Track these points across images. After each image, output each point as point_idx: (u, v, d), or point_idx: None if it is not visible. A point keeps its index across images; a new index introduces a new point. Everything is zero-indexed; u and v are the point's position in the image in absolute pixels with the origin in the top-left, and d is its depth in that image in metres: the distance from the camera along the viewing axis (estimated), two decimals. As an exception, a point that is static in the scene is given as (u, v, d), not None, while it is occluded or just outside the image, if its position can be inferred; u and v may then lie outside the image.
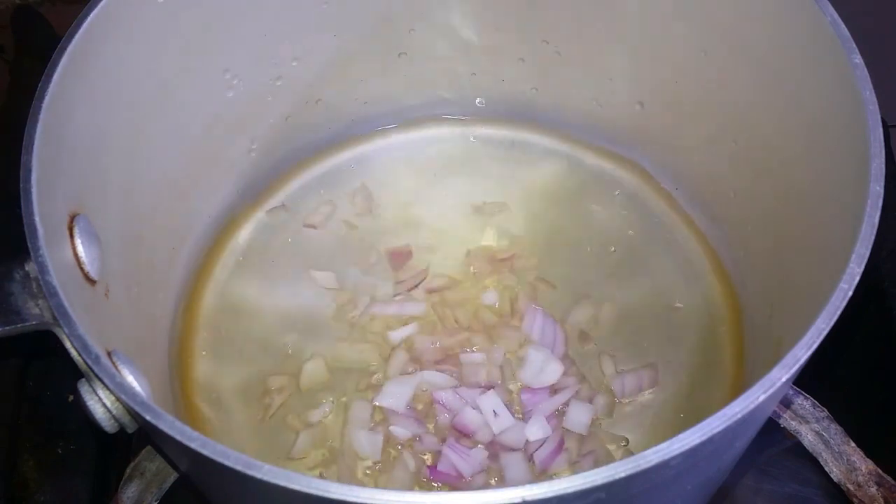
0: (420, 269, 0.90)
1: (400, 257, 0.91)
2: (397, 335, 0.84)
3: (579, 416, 0.78)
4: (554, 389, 0.81)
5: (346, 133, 1.00)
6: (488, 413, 0.77)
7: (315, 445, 0.79)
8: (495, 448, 0.77)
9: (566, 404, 0.80)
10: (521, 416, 0.79)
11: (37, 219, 0.56)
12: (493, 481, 0.76)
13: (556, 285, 0.88)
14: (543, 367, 0.81)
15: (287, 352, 0.85)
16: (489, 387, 0.80)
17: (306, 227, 0.94)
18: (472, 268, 0.90)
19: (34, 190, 0.57)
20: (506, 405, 0.78)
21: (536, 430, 0.77)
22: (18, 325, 0.58)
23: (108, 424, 0.56)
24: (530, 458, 0.76)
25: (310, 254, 0.92)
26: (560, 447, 0.77)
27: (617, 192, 0.96)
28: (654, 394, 0.81)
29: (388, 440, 0.78)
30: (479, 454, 0.76)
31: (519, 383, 0.82)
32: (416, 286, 0.88)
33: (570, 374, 0.82)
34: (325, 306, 0.88)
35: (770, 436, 0.77)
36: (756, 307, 0.82)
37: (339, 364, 0.84)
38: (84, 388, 0.55)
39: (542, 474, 0.76)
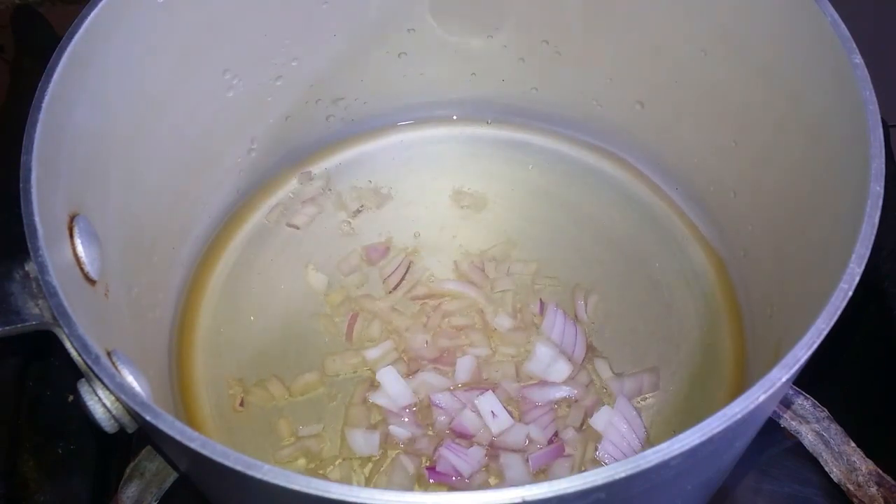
0: (400, 260, 0.90)
1: (376, 253, 0.91)
2: (372, 353, 0.84)
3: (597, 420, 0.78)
4: (555, 392, 0.81)
5: (346, 133, 1.01)
6: (486, 414, 0.77)
7: (305, 453, 0.79)
8: (495, 449, 0.77)
9: (579, 408, 0.80)
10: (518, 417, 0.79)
11: (37, 219, 0.56)
12: (492, 481, 0.76)
13: (556, 285, 0.89)
14: (551, 364, 0.81)
15: (286, 353, 0.85)
16: (487, 388, 0.80)
17: (289, 226, 0.94)
18: (470, 268, 0.90)
19: (34, 190, 0.57)
20: (504, 406, 0.78)
21: (534, 431, 0.77)
22: (18, 325, 0.57)
23: (108, 424, 0.56)
24: (527, 460, 0.76)
25: (309, 254, 0.92)
26: (559, 449, 0.77)
27: (617, 193, 0.96)
28: (654, 395, 0.81)
29: (387, 441, 0.78)
30: (478, 453, 0.76)
31: (519, 384, 0.81)
32: (403, 279, 0.88)
33: (577, 376, 0.82)
34: (323, 307, 0.88)
35: (770, 436, 0.77)
36: (756, 307, 0.82)
37: (335, 368, 0.83)
38: (84, 388, 0.55)
39: (537, 475, 0.76)
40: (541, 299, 0.87)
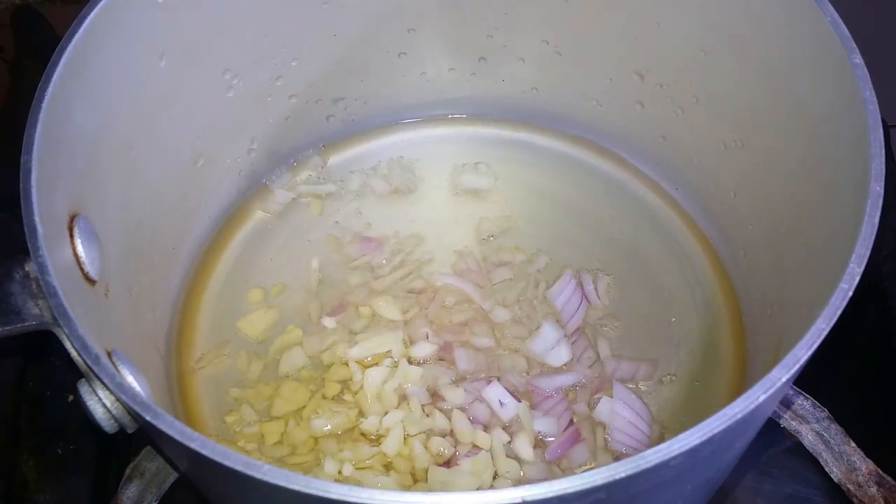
0: (401, 257, 0.90)
1: (376, 250, 0.91)
2: (375, 347, 0.83)
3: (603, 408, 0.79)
4: (563, 379, 0.81)
5: (346, 133, 1.01)
6: (494, 403, 0.78)
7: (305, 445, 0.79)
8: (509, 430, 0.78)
9: (585, 389, 0.81)
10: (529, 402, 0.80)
11: (37, 219, 0.56)
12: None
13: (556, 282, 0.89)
14: (554, 346, 0.82)
15: (287, 353, 0.85)
16: (492, 378, 0.80)
17: (288, 226, 0.94)
18: (468, 265, 0.90)
19: (34, 190, 0.57)
20: (511, 392, 0.79)
21: (550, 424, 0.78)
22: (18, 325, 0.58)
23: (108, 424, 0.56)
24: (544, 456, 0.77)
25: (309, 253, 0.92)
26: (575, 436, 0.77)
27: (617, 192, 0.96)
28: (654, 394, 0.81)
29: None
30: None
31: (527, 374, 0.82)
32: (402, 275, 0.89)
33: (581, 357, 0.83)
34: (322, 307, 0.88)
35: (770, 436, 0.77)
36: (756, 307, 0.82)
37: (328, 358, 0.84)
38: (84, 388, 0.55)
39: (558, 462, 0.77)
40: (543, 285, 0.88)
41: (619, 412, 0.78)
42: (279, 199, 0.96)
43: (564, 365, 0.82)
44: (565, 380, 0.81)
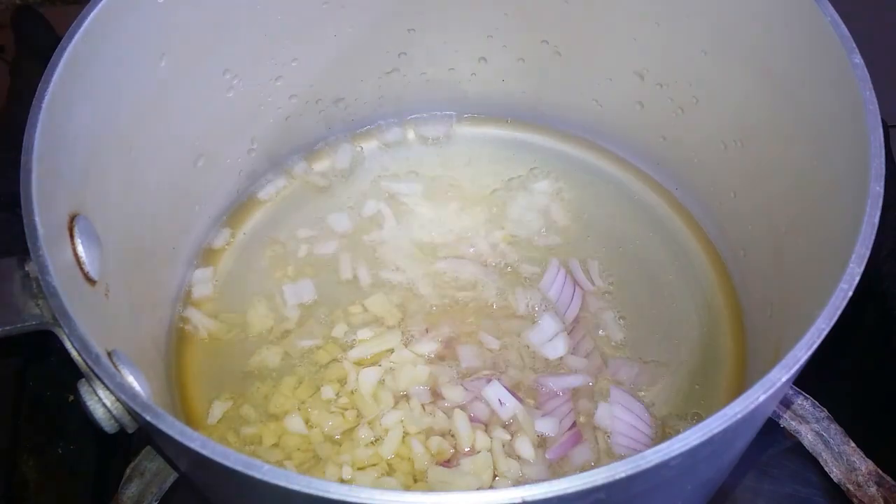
0: (402, 258, 0.91)
1: (375, 250, 0.92)
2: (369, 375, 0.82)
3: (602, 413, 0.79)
4: (571, 380, 0.81)
5: (346, 133, 1.01)
6: (494, 402, 0.78)
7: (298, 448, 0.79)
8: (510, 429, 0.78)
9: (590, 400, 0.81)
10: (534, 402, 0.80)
11: (37, 219, 0.56)
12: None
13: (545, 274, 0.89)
14: (552, 338, 0.82)
15: (286, 353, 0.85)
16: (492, 376, 0.80)
17: (288, 226, 0.94)
18: (470, 263, 0.90)
19: (34, 190, 0.57)
20: (511, 391, 0.79)
21: (552, 424, 0.78)
22: (18, 325, 0.58)
23: (108, 424, 0.56)
24: (545, 455, 0.77)
25: (308, 253, 0.92)
26: (576, 437, 0.77)
27: (617, 192, 0.96)
28: (654, 395, 0.81)
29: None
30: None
31: (535, 374, 0.82)
32: (403, 274, 0.89)
33: (577, 347, 0.83)
34: (322, 305, 0.88)
35: (770, 436, 0.77)
36: (756, 307, 0.82)
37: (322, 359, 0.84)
38: (84, 388, 0.55)
39: (559, 463, 0.77)
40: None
41: (619, 416, 0.78)
42: (279, 198, 0.96)
43: (561, 358, 0.82)
44: (574, 381, 0.81)
